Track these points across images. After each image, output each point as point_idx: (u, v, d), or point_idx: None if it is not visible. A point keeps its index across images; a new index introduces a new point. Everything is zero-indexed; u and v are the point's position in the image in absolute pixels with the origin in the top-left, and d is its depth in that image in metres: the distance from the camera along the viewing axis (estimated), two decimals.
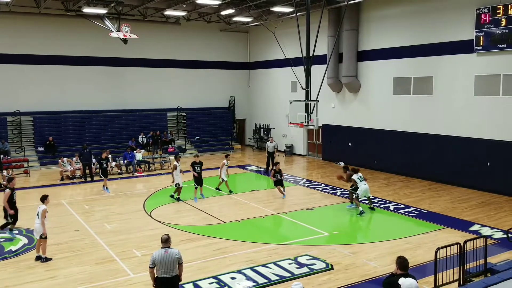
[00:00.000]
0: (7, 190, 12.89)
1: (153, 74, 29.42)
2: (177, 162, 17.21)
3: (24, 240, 12.78)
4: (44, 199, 11.53)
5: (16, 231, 13.47)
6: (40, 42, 25.79)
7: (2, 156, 22.55)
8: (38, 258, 11.15)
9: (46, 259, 11.10)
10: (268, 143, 23.52)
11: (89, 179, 21.22)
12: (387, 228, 14.11)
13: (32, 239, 12.55)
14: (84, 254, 11.73)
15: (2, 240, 12.72)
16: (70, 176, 21.41)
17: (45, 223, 11.18)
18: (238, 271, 10.37)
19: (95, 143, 25.74)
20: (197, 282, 9.80)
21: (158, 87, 29.63)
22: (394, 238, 12.75)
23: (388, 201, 16.90)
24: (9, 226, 13.19)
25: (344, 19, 22.05)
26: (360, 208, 15.13)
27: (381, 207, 15.86)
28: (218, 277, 10.08)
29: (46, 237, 11.18)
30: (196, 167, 17.18)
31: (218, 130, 31.12)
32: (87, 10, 22.55)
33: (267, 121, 30.98)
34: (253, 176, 22.83)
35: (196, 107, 30.99)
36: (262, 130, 31.29)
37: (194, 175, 17.23)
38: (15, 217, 13.13)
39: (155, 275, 7.69)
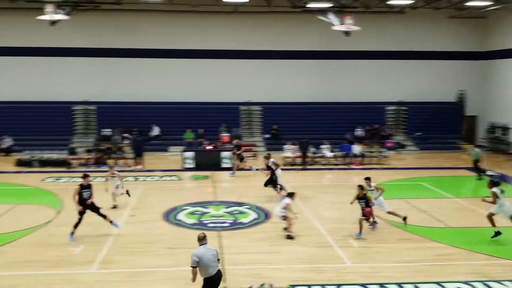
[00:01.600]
0: (77, 186, 12.07)
1: (372, 66, 29.08)
2: None
3: (254, 215, 14.16)
4: (291, 195, 12.23)
5: (248, 206, 15.05)
6: (269, 38, 28.19)
7: (236, 140, 25.51)
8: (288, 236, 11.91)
9: (289, 237, 11.81)
10: (470, 150, 20.84)
11: (308, 166, 22.23)
12: None
13: (260, 214, 13.84)
14: (304, 236, 12.25)
15: (236, 212, 14.36)
16: (292, 163, 22.78)
17: (290, 215, 11.93)
18: (466, 282, 9.30)
19: (313, 133, 26.66)
20: (418, 285, 9.18)
21: (377, 79, 29.08)
22: None
23: None
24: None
25: None
26: (496, 229, 11.83)
27: None
28: (442, 284, 9.22)
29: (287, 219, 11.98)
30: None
31: (443, 127, 28.48)
32: (312, 5, 23.50)
33: (506, 119, 27.01)
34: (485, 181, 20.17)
35: (418, 100, 29.12)
36: (498, 129, 27.39)
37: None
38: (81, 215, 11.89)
39: (203, 277, 7.61)
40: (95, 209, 12.02)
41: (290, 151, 23.17)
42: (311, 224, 13.35)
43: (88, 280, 9.50)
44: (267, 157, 16.71)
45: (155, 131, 26.62)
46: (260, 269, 10.08)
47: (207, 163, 21.57)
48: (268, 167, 16.11)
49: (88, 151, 22.91)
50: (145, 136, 25.94)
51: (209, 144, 23.12)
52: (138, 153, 21.81)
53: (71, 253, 10.95)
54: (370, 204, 12.22)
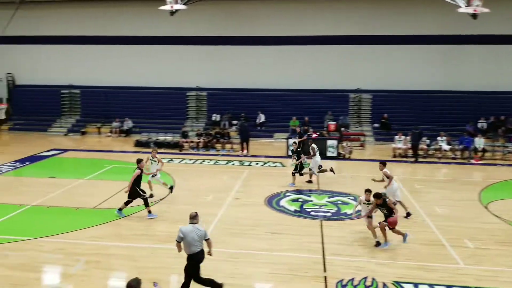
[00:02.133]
0: (137, 170, 12.38)
1: (501, 51, 26.22)
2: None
3: (359, 207, 13.50)
4: (367, 191, 11.04)
5: (352, 197, 14.54)
6: (382, 22, 26.83)
7: (342, 128, 24.85)
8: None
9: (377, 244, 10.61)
10: None
11: (421, 159, 20.84)
12: None
13: None
14: (412, 232, 11.42)
15: (340, 202, 13.93)
16: (402, 154, 21.52)
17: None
18: None
19: (429, 124, 24.88)
20: None
21: (507, 66, 26.09)
22: None
23: None
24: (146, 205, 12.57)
25: None
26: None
27: None
28: None
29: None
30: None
31: None
32: None
33: None
34: None
35: None
36: None
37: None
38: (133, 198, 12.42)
39: (186, 254, 7.95)
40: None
41: (401, 142, 21.88)
42: (421, 220, 12.47)
43: None
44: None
45: (261, 118, 27.01)
46: (362, 262, 9.68)
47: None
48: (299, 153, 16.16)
49: (198, 135, 24.02)
50: (252, 122, 26.46)
51: (314, 132, 22.81)
52: (244, 139, 22.29)
53: None
54: (393, 213, 10.34)
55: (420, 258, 9.90)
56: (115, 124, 27.35)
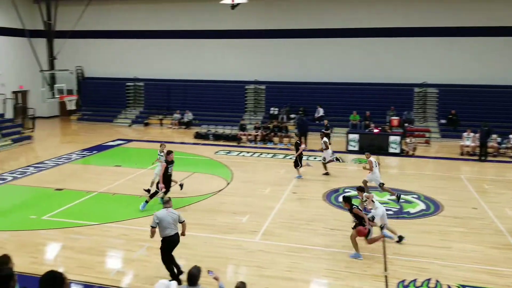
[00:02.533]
0: (163, 163, 12.47)
1: None
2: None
3: (422, 206, 13.04)
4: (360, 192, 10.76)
5: (416, 195, 13.93)
6: (446, 12, 25.49)
7: (406, 124, 23.91)
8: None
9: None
10: None
11: (490, 158, 19.60)
12: None
13: (429, 206, 12.68)
14: (480, 234, 10.91)
15: (402, 200, 13.36)
16: (471, 152, 20.35)
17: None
18: None
19: (498, 121, 23.33)
20: None
21: None
22: None
23: None
24: (160, 196, 12.58)
25: None
26: None
27: None
28: None
29: None
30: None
31: None
32: None
33: None
34: None
35: None
36: None
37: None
38: (166, 190, 12.43)
39: (161, 237, 8.26)
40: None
41: (469, 139, 20.69)
42: (489, 222, 11.73)
43: (252, 248, 9.96)
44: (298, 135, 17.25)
45: (320, 112, 26.55)
46: (426, 263, 9.24)
47: (373, 147, 20.66)
48: (297, 145, 16.27)
49: (256, 128, 24.06)
50: (310, 116, 26.11)
51: (376, 127, 22.12)
52: (302, 133, 22.03)
53: (239, 222, 11.59)
54: (364, 222, 9.45)
55: (488, 262, 9.32)
56: (176, 116, 28.05)
